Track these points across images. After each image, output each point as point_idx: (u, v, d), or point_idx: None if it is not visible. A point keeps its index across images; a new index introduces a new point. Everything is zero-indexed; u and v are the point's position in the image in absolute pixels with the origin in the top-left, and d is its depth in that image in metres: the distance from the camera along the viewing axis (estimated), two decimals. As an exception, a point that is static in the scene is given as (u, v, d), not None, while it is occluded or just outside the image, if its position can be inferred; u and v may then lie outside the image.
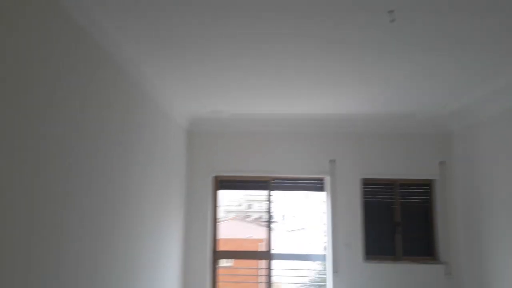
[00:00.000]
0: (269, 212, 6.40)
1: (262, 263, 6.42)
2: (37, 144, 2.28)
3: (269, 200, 6.39)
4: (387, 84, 4.41)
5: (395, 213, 6.17)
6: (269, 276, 6.31)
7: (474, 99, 4.86)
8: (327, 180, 6.20)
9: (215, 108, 5.51)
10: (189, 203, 6.17)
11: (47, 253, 2.38)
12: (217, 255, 6.32)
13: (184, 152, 6.13)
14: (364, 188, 6.23)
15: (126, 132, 3.71)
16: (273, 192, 6.41)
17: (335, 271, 5.96)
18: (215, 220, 6.37)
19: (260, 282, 6.46)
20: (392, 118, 5.76)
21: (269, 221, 6.40)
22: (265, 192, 6.41)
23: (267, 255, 6.34)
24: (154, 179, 4.57)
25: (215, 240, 6.33)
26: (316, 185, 6.41)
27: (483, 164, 5.22)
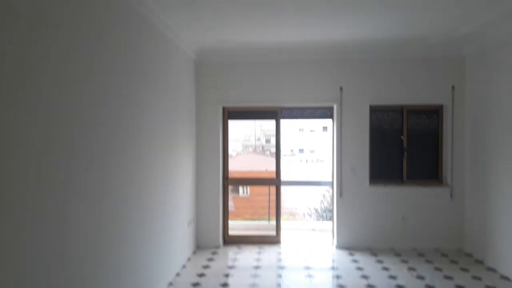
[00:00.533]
0: (278, 140, 6.53)
1: (274, 190, 6.68)
2: (53, 76, 2.35)
3: (278, 130, 6.49)
4: (400, 6, 4.26)
5: (403, 139, 6.24)
6: (278, 201, 6.60)
7: (488, 21, 4.68)
8: (336, 108, 6.23)
9: (222, 38, 5.43)
10: (200, 132, 6.31)
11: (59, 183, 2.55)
12: (228, 181, 6.58)
13: (193, 83, 6.17)
14: (372, 114, 6.26)
15: (137, 64, 3.76)
16: (282, 122, 6.49)
17: (340, 195, 6.19)
18: (225, 149, 6.55)
19: (272, 208, 6.76)
20: (403, 43, 5.61)
21: (278, 149, 6.56)
22: (274, 121, 6.49)
23: (276, 182, 6.58)
24: (166, 109, 4.68)
25: (226, 168, 6.56)
26: (324, 113, 6.45)
27: (495, 88, 5.16)
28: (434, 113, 6.26)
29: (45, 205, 2.34)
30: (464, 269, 5.16)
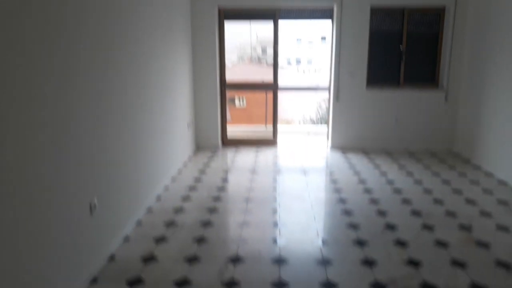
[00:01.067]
0: (276, 42, 6.42)
1: (271, 96, 6.72)
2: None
3: (275, 32, 6.35)
4: None
5: (402, 43, 6.16)
6: (275, 106, 6.69)
7: None
8: (336, 8, 6.04)
9: None
10: (196, 36, 6.18)
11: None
12: (226, 86, 6.60)
13: (186, -19, 5.89)
14: (373, 16, 6.10)
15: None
16: (281, 23, 6.32)
17: (337, 98, 6.27)
18: (222, 52, 6.47)
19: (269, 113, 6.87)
20: None
21: (275, 52, 6.48)
22: (271, 22, 6.32)
23: (273, 87, 6.60)
24: (158, 14, 4.53)
25: (223, 72, 6.53)
26: (324, 13, 6.26)
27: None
28: (436, 15, 6.10)
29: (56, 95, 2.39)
30: (452, 167, 5.43)
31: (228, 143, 6.77)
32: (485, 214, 3.86)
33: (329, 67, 6.45)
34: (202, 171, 5.30)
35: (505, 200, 4.22)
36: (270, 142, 6.78)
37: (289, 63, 32.11)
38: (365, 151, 6.25)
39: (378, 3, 5.96)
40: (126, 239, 3.41)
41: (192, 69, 6.22)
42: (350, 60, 6.14)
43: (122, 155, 3.46)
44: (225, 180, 4.98)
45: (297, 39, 32.78)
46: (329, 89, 6.47)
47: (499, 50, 4.98)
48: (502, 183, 4.74)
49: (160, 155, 4.60)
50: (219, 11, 6.26)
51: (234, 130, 7.44)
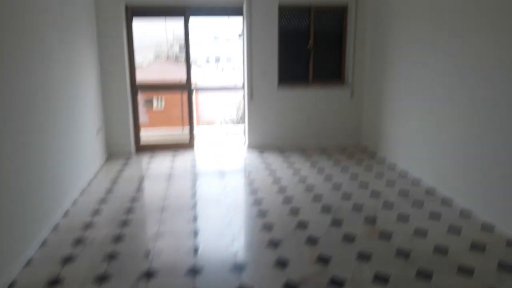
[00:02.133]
0: (187, 41, 6.30)
1: (191, 98, 6.58)
2: None
3: (186, 30, 6.23)
4: None
5: (310, 41, 6.38)
6: (191, 107, 6.59)
7: None
8: (245, 7, 6.08)
9: None
10: (101, 34, 5.84)
11: None
12: (137, 88, 6.35)
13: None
14: (281, 15, 6.24)
15: None
16: (192, 20, 6.21)
17: (251, 97, 6.34)
18: (131, 51, 6.19)
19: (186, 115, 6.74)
20: None
21: (187, 52, 6.36)
22: (182, 19, 6.19)
23: (187, 87, 6.49)
24: (54, 13, 4.20)
25: (133, 73, 6.27)
26: (234, 10, 6.26)
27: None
28: (339, 14, 6.41)
29: None
30: (359, 161, 5.77)
31: (143, 148, 6.53)
32: (388, 205, 4.14)
33: (242, 66, 6.49)
34: (114, 181, 5.05)
35: (406, 190, 4.56)
36: (187, 145, 6.66)
37: (208, 61, 31.89)
38: (281, 149, 6.40)
39: (285, 1, 6.10)
40: (29, 262, 3.13)
41: (99, 71, 5.88)
42: (261, 59, 6.23)
43: (21, 170, 3.16)
44: (139, 189, 4.79)
45: (215, 37, 32.64)
46: (243, 88, 6.52)
47: (395, 46, 5.37)
48: (403, 173, 5.13)
49: (66, 167, 4.29)
50: (127, 8, 5.99)
51: (149, 135, 7.20)
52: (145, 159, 6.05)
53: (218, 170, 5.46)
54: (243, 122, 6.69)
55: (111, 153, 6.22)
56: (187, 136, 6.69)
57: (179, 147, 6.63)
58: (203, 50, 30.99)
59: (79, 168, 4.74)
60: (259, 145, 6.50)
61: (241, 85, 6.61)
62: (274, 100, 6.38)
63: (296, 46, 6.42)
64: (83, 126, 5.02)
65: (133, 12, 6.05)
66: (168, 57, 25.90)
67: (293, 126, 6.50)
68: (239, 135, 7.39)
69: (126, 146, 6.27)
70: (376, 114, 6.05)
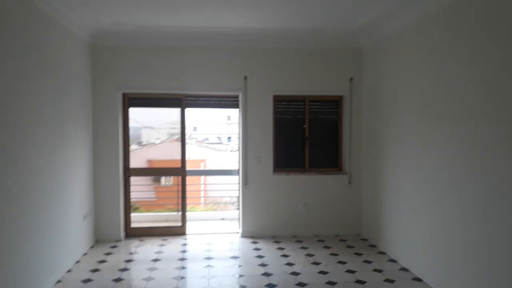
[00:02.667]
0: (183, 129, 6.33)
1: (184, 183, 6.46)
2: None
3: (182, 118, 6.30)
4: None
5: (305, 129, 6.38)
6: (184, 191, 6.44)
7: (380, 14, 4.88)
8: (241, 97, 6.18)
9: (116, 19, 5.08)
10: (97, 122, 5.91)
11: None
12: (130, 172, 6.27)
13: (88, 68, 5.73)
14: (276, 104, 6.32)
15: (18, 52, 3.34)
16: (187, 110, 6.31)
17: (245, 183, 6.19)
18: (126, 138, 6.22)
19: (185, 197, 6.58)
20: (303, 34, 5.69)
21: (183, 138, 6.38)
22: (178, 109, 6.29)
23: (181, 172, 6.40)
24: (48, 101, 4.28)
25: (127, 158, 6.24)
26: (230, 102, 6.38)
27: (387, 80, 5.42)
28: (335, 104, 6.47)
29: None
30: (358, 254, 5.42)
31: (133, 233, 6.28)
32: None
33: (237, 151, 6.43)
34: (96, 270, 4.74)
35: (405, 289, 4.19)
36: (178, 230, 6.39)
37: (220, 140, 32.24)
38: (276, 239, 6.09)
39: (280, 93, 6.20)
40: None
41: (92, 156, 5.86)
42: (256, 145, 6.19)
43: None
44: (118, 280, 4.47)
45: (228, 116, 33.39)
46: (238, 173, 6.40)
47: (389, 134, 5.30)
48: (404, 271, 4.76)
49: (42, 255, 4.05)
50: (124, 97, 6.12)
51: (142, 217, 7.00)
52: (132, 245, 5.77)
53: (207, 258, 5.14)
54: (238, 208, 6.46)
55: (99, 239, 5.96)
56: (180, 221, 6.44)
57: (171, 232, 6.36)
58: (213, 129, 31.53)
59: (57, 257, 4.48)
60: (253, 233, 6.21)
61: (236, 169, 6.50)
62: (269, 186, 6.22)
63: (291, 133, 6.42)
64: (68, 212, 4.87)
65: (130, 101, 6.17)
66: (179, 137, 26.45)
67: (289, 213, 6.26)
68: (235, 221, 7.12)
69: (115, 232, 6.03)
70: (375, 204, 5.82)
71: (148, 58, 5.98)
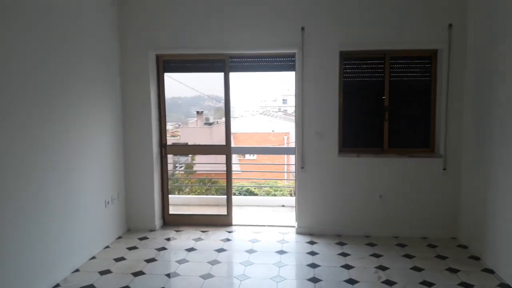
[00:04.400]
0: (227, 99, 5.15)
1: (229, 163, 5.35)
2: None
3: (226, 85, 5.11)
4: None
5: (384, 96, 4.82)
6: (229, 173, 5.32)
7: None
8: (297, 55, 4.78)
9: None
10: (126, 88, 4.98)
11: None
12: (167, 150, 5.29)
13: (113, 25, 4.76)
14: (344, 64, 4.83)
15: None
16: (232, 74, 5.11)
17: (302, 166, 4.86)
18: (161, 110, 5.22)
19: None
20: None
21: (227, 110, 5.21)
22: (221, 74, 5.10)
23: (226, 150, 5.27)
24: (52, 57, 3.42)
25: (163, 133, 5.26)
26: (284, 62, 5.03)
27: (510, 23, 3.65)
28: (425, 62, 4.79)
29: None
30: (453, 270, 3.85)
31: (171, 221, 5.36)
32: None
33: (294, 126, 5.10)
34: (104, 272, 3.85)
35: None
36: (223, 220, 5.32)
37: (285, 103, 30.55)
38: (341, 239, 4.72)
39: (349, 48, 4.69)
40: None
41: (121, 132, 4.97)
42: (317, 118, 4.80)
43: None
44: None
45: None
46: (294, 154, 5.08)
47: (510, 106, 3.57)
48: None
49: (42, 255, 3.27)
50: (158, 59, 5.09)
51: (187, 201, 6.12)
52: (163, 239, 4.82)
53: (243, 266, 3.99)
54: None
55: (131, 227, 5.13)
56: (225, 208, 5.36)
57: (214, 222, 5.31)
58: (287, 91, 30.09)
59: (62, 255, 3.72)
60: (312, 229, 4.91)
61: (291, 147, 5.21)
62: (333, 171, 4.82)
63: (365, 101, 4.90)
64: (82, 197, 4.06)
65: (164, 65, 5.13)
66: (265, 110, 26.06)
67: (359, 207, 4.83)
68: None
69: (148, 219, 5.14)
70: (481, 199, 4.13)
71: (184, 9, 4.83)
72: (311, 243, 4.62)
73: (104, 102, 4.54)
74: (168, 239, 4.80)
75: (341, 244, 4.57)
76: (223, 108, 5.21)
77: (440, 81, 4.69)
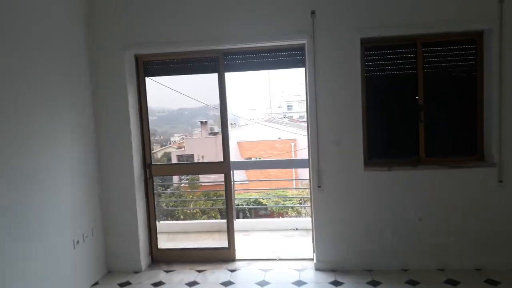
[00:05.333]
0: (223, 104, 4.21)
1: (229, 182, 4.38)
2: None
3: (222, 88, 4.17)
4: None
5: (417, 92, 3.85)
6: (229, 195, 4.36)
7: None
8: (307, 46, 3.83)
9: None
10: (99, 100, 4.06)
11: None
12: (152, 170, 4.33)
13: (79, 21, 3.86)
14: (367, 54, 3.87)
15: None
16: (228, 75, 4.17)
17: (319, 185, 3.88)
18: (143, 122, 4.29)
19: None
20: None
21: (224, 118, 4.26)
22: (214, 75, 4.17)
23: (224, 168, 4.30)
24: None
25: (147, 151, 4.32)
26: (292, 57, 4.08)
27: None
28: (468, 47, 3.82)
29: None
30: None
31: (161, 257, 4.40)
32: None
33: (306, 134, 4.13)
34: None
35: None
36: (225, 255, 4.34)
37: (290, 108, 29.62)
38: (372, 275, 3.73)
39: (372, 34, 3.73)
40: None
41: (94, 150, 4.04)
42: (334, 122, 3.83)
43: None
44: None
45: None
46: (308, 167, 4.11)
47: None
48: None
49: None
50: (137, 62, 4.17)
51: (180, 228, 5.17)
52: (152, 280, 3.85)
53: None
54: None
55: (112, 268, 4.17)
56: (226, 240, 4.38)
57: (213, 257, 4.33)
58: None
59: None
60: (334, 263, 3.91)
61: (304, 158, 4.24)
62: (359, 189, 3.85)
63: (393, 99, 3.93)
64: (40, 239, 3.11)
65: (145, 67, 4.20)
66: (269, 117, 25.42)
67: (394, 233, 3.83)
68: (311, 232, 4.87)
69: (133, 258, 4.17)
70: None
71: None
72: (335, 283, 3.62)
73: (68, 117, 3.61)
74: (156, 285, 3.81)
75: (374, 284, 3.56)
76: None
77: (488, 71, 3.72)
